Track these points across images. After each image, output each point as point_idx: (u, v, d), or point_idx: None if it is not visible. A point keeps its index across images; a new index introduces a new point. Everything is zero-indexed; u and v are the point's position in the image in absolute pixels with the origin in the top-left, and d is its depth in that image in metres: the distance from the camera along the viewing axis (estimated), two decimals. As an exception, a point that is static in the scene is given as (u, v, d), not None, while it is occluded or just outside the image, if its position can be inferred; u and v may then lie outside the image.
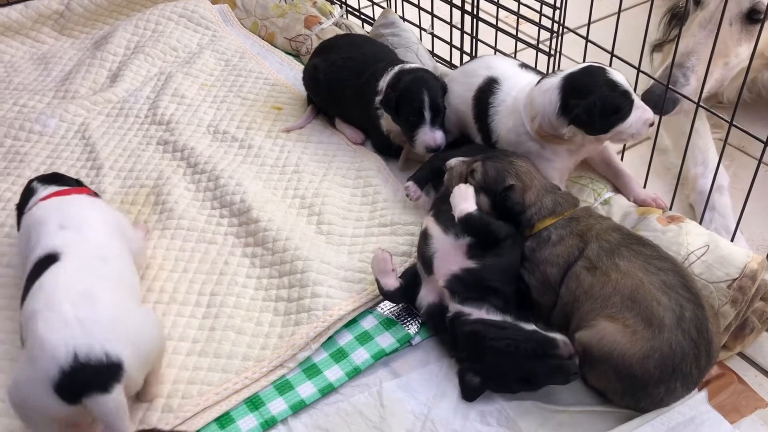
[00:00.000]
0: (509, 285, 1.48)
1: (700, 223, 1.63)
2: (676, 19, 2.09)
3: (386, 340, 1.52)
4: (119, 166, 2.03)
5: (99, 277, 1.35)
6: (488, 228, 1.46)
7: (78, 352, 1.18)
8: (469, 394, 1.41)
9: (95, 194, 1.66)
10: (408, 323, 1.55)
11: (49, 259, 1.36)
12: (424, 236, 1.53)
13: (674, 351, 1.29)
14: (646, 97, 1.69)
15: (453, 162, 1.62)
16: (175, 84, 2.31)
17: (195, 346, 1.52)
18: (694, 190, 1.81)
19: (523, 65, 1.79)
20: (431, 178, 1.78)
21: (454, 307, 1.45)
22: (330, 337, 1.52)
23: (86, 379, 1.18)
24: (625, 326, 1.33)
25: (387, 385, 1.45)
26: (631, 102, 1.54)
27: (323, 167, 1.97)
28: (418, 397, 1.43)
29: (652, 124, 1.56)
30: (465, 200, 1.47)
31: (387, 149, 2.00)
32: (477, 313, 1.42)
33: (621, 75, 1.55)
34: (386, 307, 1.59)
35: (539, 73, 1.75)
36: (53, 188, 1.59)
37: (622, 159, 1.76)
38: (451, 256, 1.48)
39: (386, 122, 1.92)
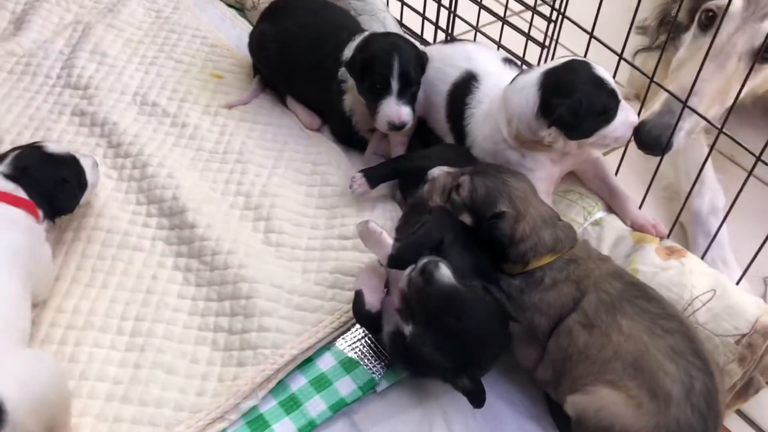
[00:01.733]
0: None
1: (692, 247, 1.47)
2: (666, 25, 1.86)
3: (347, 387, 1.30)
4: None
5: None
6: (419, 247, 1.23)
7: None
8: (475, 397, 1.19)
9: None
10: (372, 365, 1.33)
11: None
12: None
13: (681, 428, 1.13)
14: (638, 135, 1.47)
15: (436, 172, 1.37)
16: (95, 38, 1.94)
17: (116, 388, 1.26)
18: (688, 210, 1.64)
19: (508, 61, 1.55)
20: (395, 178, 1.55)
21: (407, 329, 1.23)
22: (280, 381, 1.29)
23: None
24: (629, 397, 1.15)
25: (347, 444, 1.24)
26: (618, 102, 1.36)
27: (272, 157, 1.68)
28: (381, 460, 1.23)
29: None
30: (379, 244, 1.27)
31: (348, 138, 1.73)
32: None
33: (605, 71, 1.36)
34: (346, 342, 1.37)
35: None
36: None
37: (616, 174, 1.55)
38: (400, 275, 1.26)
39: (350, 98, 1.65)
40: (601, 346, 1.19)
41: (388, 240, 1.27)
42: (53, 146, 1.42)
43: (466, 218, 1.29)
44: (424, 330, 1.18)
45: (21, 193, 1.31)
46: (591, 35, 1.51)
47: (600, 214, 1.52)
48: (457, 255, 1.25)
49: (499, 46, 1.77)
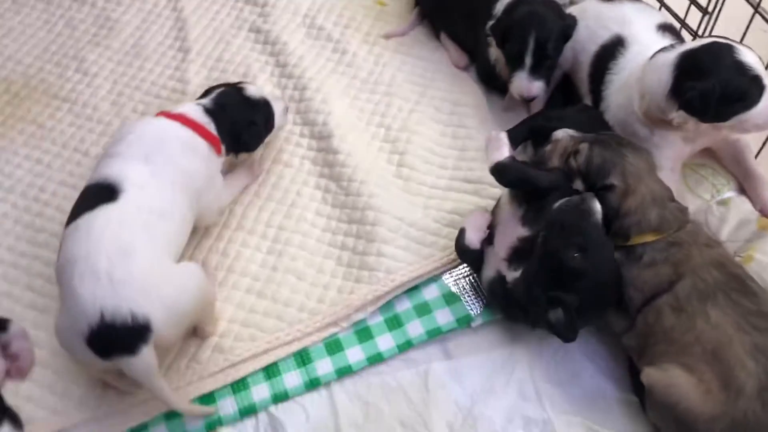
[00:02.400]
0: None
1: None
2: None
3: (445, 317, 1.46)
4: (207, 53, 1.92)
5: (148, 232, 1.28)
6: (525, 176, 1.35)
7: (105, 311, 1.17)
8: (566, 331, 1.29)
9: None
10: (471, 302, 1.47)
11: (107, 192, 1.30)
12: (497, 204, 1.44)
13: (748, 420, 1.18)
14: None
15: (560, 134, 1.44)
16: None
17: (254, 284, 1.51)
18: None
19: (665, 28, 1.51)
20: (530, 137, 1.60)
21: (511, 275, 1.36)
22: (388, 301, 1.48)
23: (113, 339, 1.17)
24: (700, 381, 1.21)
25: (436, 366, 1.41)
26: (762, 89, 1.30)
27: (417, 93, 1.80)
28: (465, 386, 1.39)
29: None
30: (497, 149, 1.36)
31: (491, 80, 1.80)
32: None
33: (752, 54, 1.30)
34: (452, 277, 1.51)
35: (682, 41, 1.47)
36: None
37: (756, 157, 1.51)
38: (509, 227, 1.38)
39: (495, 51, 1.71)
40: (685, 330, 1.24)
41: (506, 152, 1.37)
42: (252, 89, 1.57)
43: (579, 184, 1.35)
44: (541, 266, 1.30)
45: (212, 129, 1.48)
46: (756, 9, 1.43)
47: (729, 194, 1.51)
48: None
49: (662, 5, 1.71)
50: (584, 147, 1.37)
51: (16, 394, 1.36)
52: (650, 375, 1.26)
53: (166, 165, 1.38)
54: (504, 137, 1.39)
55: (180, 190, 1.38)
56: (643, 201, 1.31)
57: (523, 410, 1.36)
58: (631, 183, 1.32)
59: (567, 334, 1.31)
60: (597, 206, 1.30)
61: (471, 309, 1.46)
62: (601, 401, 1.37)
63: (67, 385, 1.37)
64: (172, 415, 1.33)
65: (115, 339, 1.17)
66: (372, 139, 1.72)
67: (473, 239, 1.42)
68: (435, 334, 1.44)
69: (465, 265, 1.51)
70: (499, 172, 1.36)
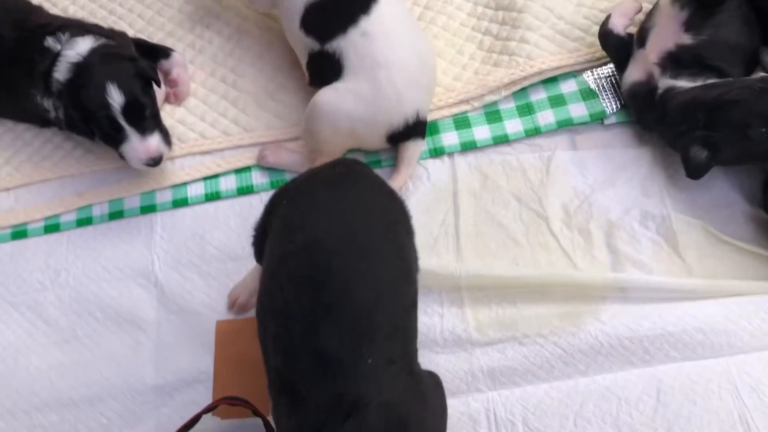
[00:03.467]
0: (734, 67, 1.31)
1: None
2: None
3: (579, 111, 1.44)
4: None
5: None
6: None
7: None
8: (696, 170, 1.27)
9: None
10: (608, 101, 1.44)
11: None
12: (655, 5, 1.38)
13: None
14: None
15: None
16: None
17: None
18: None
19: None
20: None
21: (664, 83, 1.32)
22: (523, 89, 1.47)
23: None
24: None
25: (560, 154, 1.41)
26: None
27: None
28: (586, 176, 1.39)
29: None
30: None
31: None
32: (692, 85, 1.30)
33: None
34: (593, 75, 1.48)
35: None
36: None
37: None
38: (668, 30, 1.33)
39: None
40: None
41: None
42: None
43: None
44: (720, 105, 1.24)
45: None
46: None
47: None
48: (735, 27, 1.32)
49: None
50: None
51: (171, 116, 1.52)
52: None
53: None
54: None
55: None
56: None
57: (642, 205, 1.35)
58: None
59: (696, 174, 1.28)
60: None
61: (606, 107, 1.44)
62: (725, 211, 1.33)
63: (215, 117, 1.50)
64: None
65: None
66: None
67: (617, 24, 1.39)
68: (565, 125, 1.44)
69: (608, 65, 1.47)
70: None
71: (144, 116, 1.33)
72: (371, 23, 1.32)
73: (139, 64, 1.35)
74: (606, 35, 1.40)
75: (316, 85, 1.38)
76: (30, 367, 1.30)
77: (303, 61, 1.41)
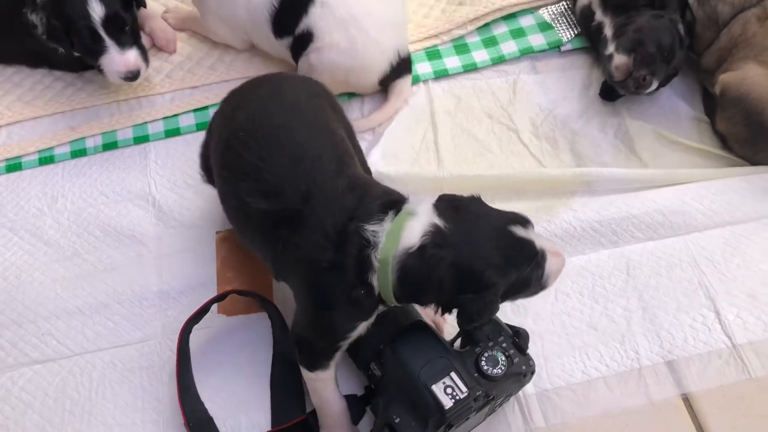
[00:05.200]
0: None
1: None
2: None
3: (538, 40, 1.60)
4: None
5: None
6: None
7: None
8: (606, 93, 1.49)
9: None
10: (563, 30, 1.60)
11: None
12: None
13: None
14: None
15: None
16: None
17: None
18: None
19: None
20: None
21: (598, 16, 1.51)
22: (487, 24, 1.62)
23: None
24: (772, 73, 1.32)
25: (524, 77, 1.56)
26: None
27: None
28: (548, 94, 1.54)
29: None
30: None
31: None
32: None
33: None
34: (548, 11, 1.64)
35: None
36: None
37: None
38: None
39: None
40: (766, 36, 1.34)
41: None
42: None
43: None
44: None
45: None
46: None
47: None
48: None
49: None
50: None
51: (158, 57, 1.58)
52: (725, 78, 1.38)
53: None
54: None
55: None
56: None
57: (600, 115, 1.50)
58: None
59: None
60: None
61: (562, 35, 1.60)
62: (673, 116, 1.50)
63: (201, 56, 1.59)
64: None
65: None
66: None
67: None
68: (526, 52, 1.59)
69: (562, 1, 1.64)
70: None
71: (124, 30, 1.39)
72: None
73: None
74: None
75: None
76: (34, 283, 1.33)
77: (288, 58, 1.49)
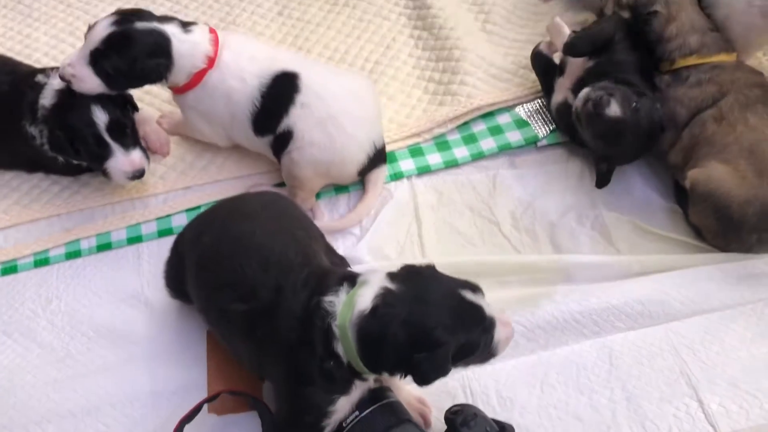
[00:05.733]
0: (629, 74, 1.55)
1: None
2: None
3: (515, 137, 1.68)
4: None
5: None
6: (592, 40, 1.57)
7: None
8: (601, 180, 1.56)
9: None
10: (539, 127, 1.69)
11: None
12: None
13: (777, 203, 1.35)
14: None
15: None
16: None
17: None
18: None
19: None
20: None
21: (575, 102, 1.57)
22: (466, 123, 1.71)
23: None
24: (736, 170, 1.39)
25: (503, 172, 1.63)
26: None
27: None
28: (527, 188, 1.60)
29: None
30: (559, 34, 1.62)
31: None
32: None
33: None
34: (523, 110, 1.73)
35: None
36: None
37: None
38: (578, 62, 1.61)
39: None
40: (725, 134, 1.44)
41: (567, 31, 1.59)
42: None
43: (626, 13, 1.56)
44: (587, 123, 1.52)
45: None
46: None
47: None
48: (623, 51, 1.58)
49: None
50: (633, -14, 1.58)
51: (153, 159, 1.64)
52: (693, 174, 1.45)
53: None
54: (560, 21, 1.63)
55: None
56: (684, 28, 1.51)
57: (576, 208, 1.57)
58: (673, 10, 1.53)
59: (600, 184, 1.57)
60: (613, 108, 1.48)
61: (538, 132, 1.68)
62: (647, 208, 1.57)
63: (193, 159, 1.66)
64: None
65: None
66: (461, 1, 1.95)
67: (545, 48, 1.70)
68: (505, 149, 1.66)
69: (536, 100, 1.73)
70: (571, 49, 1.59)
71: (126, 133, 1.47)
72: (304, 95, 1.48)
73: None
74: (536, 56, 1.69)
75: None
76: (25, 386, 1.35)
77: (268, 154, 1.56)
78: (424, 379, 1.05)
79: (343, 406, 1.14)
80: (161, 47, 1.42)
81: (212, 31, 1.50)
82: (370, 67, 1.83)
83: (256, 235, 1.21)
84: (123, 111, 1.48)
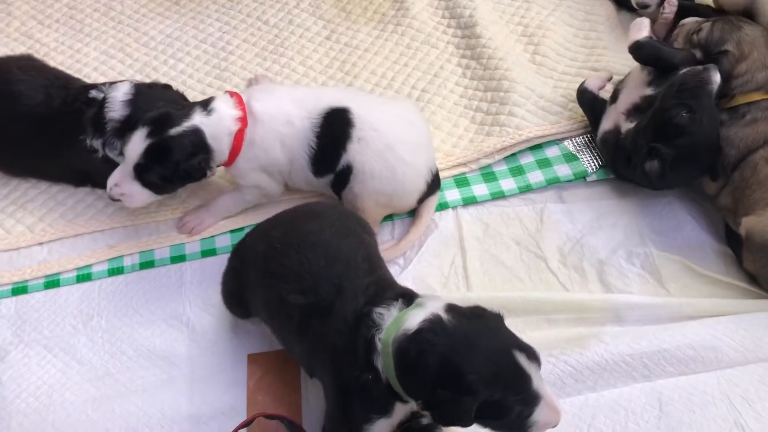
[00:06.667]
0: None
1: None
2: None
3: (564, 171, 1.65)
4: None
5: None
6: (659, 53, 1.54)
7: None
8: (657, 179, 1.49)
9: None
10: (588, 161, 1.66)
11: None
12: (628, 73, 1.65)
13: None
14: None
15: (687, 20, 1.64)
16: None
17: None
18: None
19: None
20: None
21: (626, 126, 1.56)
22: (513, 154, 1.69)
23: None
24: (796, 218, 1.35)
25: (551, 206, 1.60)
26: None
27: (553, 2, 2.02)
28: (576, 223, 1.57)
29: None
30: (639, 31, 1.57)
31: (623, 4, 1.98)
32: None
33: None
34: (572, 144, 1.70)
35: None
36: None
37: None
38: (635, 88, 1.59)
39: None
40: (781, 178, 1.39)
41: (646, 33, 1.57)
42: None
43: (698, 53, 1.54)
44: (652, 119, 1.49)
45: None
46: None
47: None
48: None
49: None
50: (707, 25, 1.56)
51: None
52: (748, 222, 1.42)
53: None
54: (646, 21, 1.60)
55: None
56: (755, 65, 1.48)
57: (626, 245, 1.53)
58: (745, 49, 1.50)
59: (656, 183, 1.50)
60: (717, 77, 1.47)
61: (587, 167, 1.65)
62: (698, 249, 1.53)
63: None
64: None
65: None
66: (511, 32, 1.95)
67: (591, 84, 1.68)
68: (553, 182, 1.64)
69: (585, 135, 1.71)
70: (638, 49, 1.56)
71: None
72: (360, 129, 1.48)
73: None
74: (582, 92, 1.67)
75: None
76: (65, 403, 1.34)
77: (328, 192, 1.55)
78: (442, 417, 1.03)
79: (381, 428, 1.11)
80: (197, 145, 1.43)
81: (232, 94, 1.50)
82: (416, 95, 1.82)
83: (324, 233, 1.22)
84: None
